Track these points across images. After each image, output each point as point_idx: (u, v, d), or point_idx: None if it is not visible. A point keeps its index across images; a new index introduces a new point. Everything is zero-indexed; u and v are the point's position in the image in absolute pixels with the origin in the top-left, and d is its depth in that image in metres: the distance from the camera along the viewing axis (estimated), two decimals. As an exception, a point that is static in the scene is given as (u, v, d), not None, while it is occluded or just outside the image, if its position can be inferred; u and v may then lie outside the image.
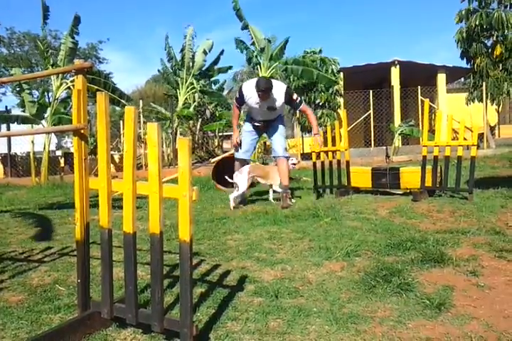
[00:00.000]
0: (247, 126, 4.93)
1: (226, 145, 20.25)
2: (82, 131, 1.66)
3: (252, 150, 5.05)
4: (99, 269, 1.75)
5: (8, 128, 11.55)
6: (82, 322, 1.59)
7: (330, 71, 11.98)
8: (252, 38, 11.20)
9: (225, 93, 16.53)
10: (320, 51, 12.41)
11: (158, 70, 14.73)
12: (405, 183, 4.85)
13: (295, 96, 4.64)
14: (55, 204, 5.66)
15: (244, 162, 4.91)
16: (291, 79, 12.00)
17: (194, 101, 13.36)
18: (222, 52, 13.69)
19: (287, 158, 4.80)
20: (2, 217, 4.73)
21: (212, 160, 7.25)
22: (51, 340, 1.47)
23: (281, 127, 4.83)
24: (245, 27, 11.16)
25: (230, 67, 14.35)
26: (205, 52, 12.96)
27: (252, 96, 4.52)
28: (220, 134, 15.83)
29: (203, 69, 13.47)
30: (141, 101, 12.73)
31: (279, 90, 4.50)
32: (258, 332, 1.60)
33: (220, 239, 3.11)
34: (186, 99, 13.33)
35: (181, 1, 68.63)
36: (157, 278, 1.47)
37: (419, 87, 12.63)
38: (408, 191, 4.85)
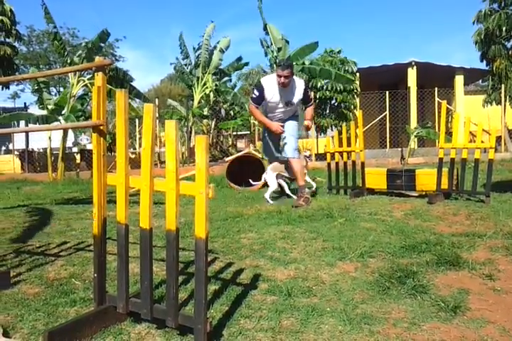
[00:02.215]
0: (266, 131, 4.90)
1: (240, 144, 20.31)
2: (101, 128, 1.68)
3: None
4: (114, 264, 1.77)
5: (27, 125, 11.73)
6: (98, 316, 1.61)
7: (349, 71, 11.90)
8: (271, 38, 11.19)
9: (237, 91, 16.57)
10: (339, 52, 12.35)
11: (174, 69, 14.82)
12: (421, 185, 4.81)
13: (312, 94, 4.64)
14: (71, 199, 5.75)
15: (283, 161, 4.82)
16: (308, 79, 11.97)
17: (209, 100, 13.42)
18: (240, 59, 13.61)
19: (298, 157, 4.73)
20: (19, 211, 4.81)
21: (227, 159, 7.27)
22: (68, 332, 1.49)
23: (293, 127, 4.77)
24: (264, 26, 11.16)
25: (247, 64, 14.32)
26: (221, 51, 12.99)
27: (271, 88, 4.47)
28: (234, 133, 15.87)
29: (219, 67, 13.51)
30: (156, 99, 12.82)
31: (299, 85, 4.51)
32: (271, 330, 1.61)
33: (234, 238, 3.12)
34: (201, 97, 13.39)
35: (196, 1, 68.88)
36: (172, 274, 1.48)
37: (436, 88, 12.49)
38: (424, 193, 4.80)
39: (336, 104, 12.17)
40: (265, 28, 11.22)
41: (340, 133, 5.84)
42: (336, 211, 3.82)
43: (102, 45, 11.00)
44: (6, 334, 1.59)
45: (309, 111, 4.79)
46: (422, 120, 12.84)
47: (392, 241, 2.84)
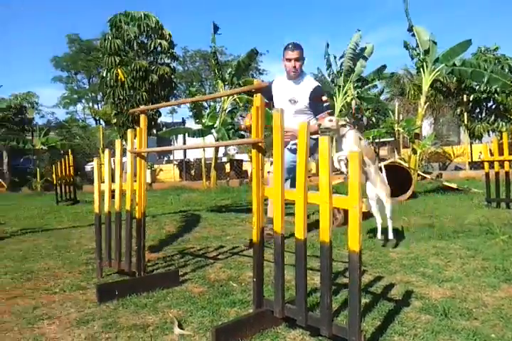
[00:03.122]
0: None
1: (383, 152, 19.62)
2: (260, 144, 1.83)
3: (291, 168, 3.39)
4: (267, 270, 1.90)
5: (184, 138, 13.12)
6: (257, 318, 1.75)
7: (506, 71, 10.69)
8: (416, 40, 10.65)
9: (382, 98, 16.08)
10: (496, 49, 11.18)
11: (315, 79, 15.01)
12: None
13: (325, 97, 3.86)
14: (224, 207, 6.24)
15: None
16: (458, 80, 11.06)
17: (350, 109, 13.29)
18: (384, 67, 13.19)
19: None
20: (180, 216, 5.40)
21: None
22: (232, 331, 1.65)
23: None
24: (410, 28, 10.68)
25: (392, 74, 13.79)
26: (364, 58, 12.76)
27: (279, 81, 3.86)
28: (377, 141, 15.41)
29: (362, 75, 13.29)
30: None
31: (309, 83, 3.77)
32: (428, 351, 1.55)
33: (382, 251, 3.05)
34: (343, 106, 13.34)
35: (336, 9, 68.83)
36: (326, 283, 1.53)
37: None
38: None
39: (493, 106, 11.00)
40: (411, 30, 10.72)
41: (501, 138, 5.27)
42: (496, 226, 3.47)
43: (251, 63, 11.72)
44: (180, 327, 1.83)
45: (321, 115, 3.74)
46: None
47: None
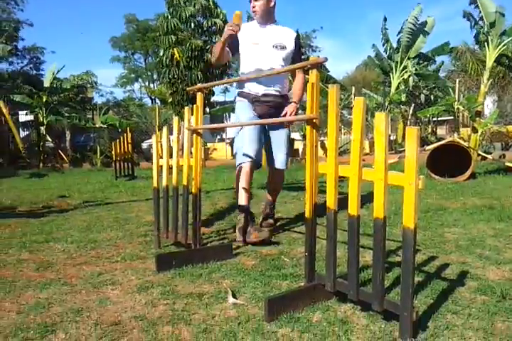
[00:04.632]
0: (243, 108, 3.12)
1: (440, 131, 18.83)
2: (315, 121, 1.83)
3: (261, 147, 3.10)
4: (318, 246, 1.92)
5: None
6: (309, 291, 1.79)
7: None
8: (480, 12, 9.97)
9: (442, 75, 15.31)
10: None
11: (369, 56, 14.53)
12: None
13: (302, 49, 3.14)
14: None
15: (254, 165, 3.03)
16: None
17: (407, 86, 12.79)
18: (447, 44, 12.45)
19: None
20: (234, 192, 5.50)
21: (427, 147, 6.87)
22: (284, 302, 1.70)
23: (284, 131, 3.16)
24: (473, 0, 10.00)
25: (452, 49, 13.06)
26: (424, 33, 12.15)
27: (249, 28, 3.09)
28: (434, 119, 14.79)
29: (421, 51, 12.68)
30: (353, 87, 12.84)
31: (289, 31, 3.14)
32: (483, 331, 1.53)
33: (437, 231, 2.99)
34: (400, 83, 12.86)
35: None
36: (379, 259, 1.54)
37: None
38: None
39: None
40: (474, 2, 10.03)
41: None
42: None
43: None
44: (234, 296, 1.91)
45: (299, 86, 3.14)
46: None
47: None
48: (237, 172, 3.02)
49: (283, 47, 3.06)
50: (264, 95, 3.02)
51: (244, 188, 2.97)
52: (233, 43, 3.00)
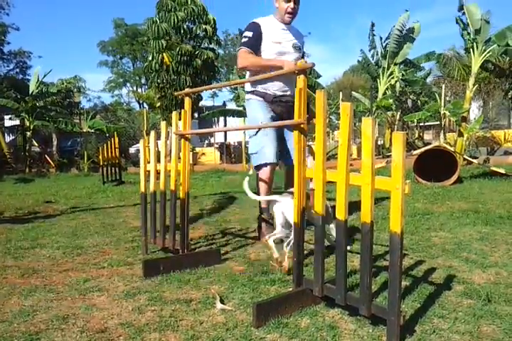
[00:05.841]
0: (261, 108, 3.05)
1: (427, 136, 19.04)
2: (302, 126, 1.84)
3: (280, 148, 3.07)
4: (306, 251, 1.93)
5: (225, 121, 13.26)
6: (297, 296, 1.79)
7: None
8: (467, 19, 10.13)
9: (429, 80, 15.50)
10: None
11: (358, 61, 14.65)
12: None
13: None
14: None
15: (274, 168, 3.06)
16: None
17: (394, 91, 12.92)
18: (433, 53, 12.56)
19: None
20: (221, 197, 5.51)
21: (414, 152, 6.94)
22: (272, 307, 1.70)
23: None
24: (460, 7, 10.16)
25: (440, 55, 13.23)
26: (411, 39, 12.29)
27: (270, 24, 3.05)
28: (421, 124, 14.96)
29: (408, 56, 12.83)
30: (340, 93, 12.92)
31: (301, 33, 3.24)
32: (469, 334, 1.54)
33: (424, 235, 3.01)
34: (387, 88, 12.98)
35: (384, -13, 66.31)
36: (366, 263, 1.55)
37: None
38: None
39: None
40: (461, 9, 10.18)
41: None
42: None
43: None
44: (222, 302, 1.90)
45: None
46: None
47: None
48: (259, 174, 3.05)
49: (300, 48, 3.14)
50: (283, 96, 3.04)
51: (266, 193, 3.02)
52: (259, 44, 3.00)
